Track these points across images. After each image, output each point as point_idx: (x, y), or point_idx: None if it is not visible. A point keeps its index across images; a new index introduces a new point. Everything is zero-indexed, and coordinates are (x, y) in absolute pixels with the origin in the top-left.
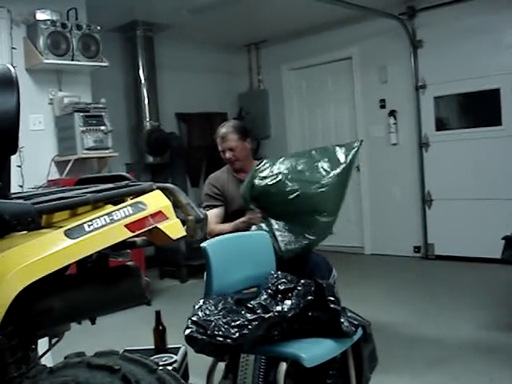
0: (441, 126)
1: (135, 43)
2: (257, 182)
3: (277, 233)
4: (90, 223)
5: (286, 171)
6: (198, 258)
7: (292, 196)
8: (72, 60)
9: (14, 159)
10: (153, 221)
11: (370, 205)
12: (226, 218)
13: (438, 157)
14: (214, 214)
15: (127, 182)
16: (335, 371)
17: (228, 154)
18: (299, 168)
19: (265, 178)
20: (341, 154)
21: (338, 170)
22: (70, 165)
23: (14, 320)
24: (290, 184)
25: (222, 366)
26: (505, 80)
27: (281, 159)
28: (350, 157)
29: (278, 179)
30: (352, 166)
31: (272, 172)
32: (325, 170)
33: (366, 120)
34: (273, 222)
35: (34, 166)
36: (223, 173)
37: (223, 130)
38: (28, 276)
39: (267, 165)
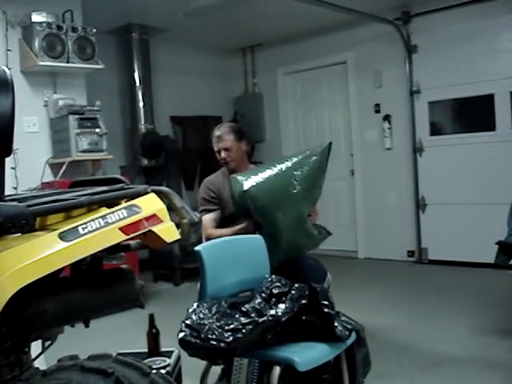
0: (435, 130)
1: (131, 46)
2: (235, 193)
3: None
4: (84, 226)
5: (246, 184)
6: (192, 262)
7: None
8: (67, 62)
9: (9, 161)
10: (147, 224)
11: (364, 209)
12: (221, 221)
13: (432, 161)
14: (211, 218)
15: (122, 184)
16: (329, 375)
17: (223, 154)
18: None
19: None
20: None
21: (306, 172)
22: (64, 167)
23: (7, 322)
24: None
25: (215, 369)
26: (499, 85)
27: (258, 169)
28: (317, 156)
29: (241, 190)
30: (321, 166)
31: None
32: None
33: (360, 124)
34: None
35: (29, 168)
36: (218, 176)
37: (220, 130)
38: (22, 278)
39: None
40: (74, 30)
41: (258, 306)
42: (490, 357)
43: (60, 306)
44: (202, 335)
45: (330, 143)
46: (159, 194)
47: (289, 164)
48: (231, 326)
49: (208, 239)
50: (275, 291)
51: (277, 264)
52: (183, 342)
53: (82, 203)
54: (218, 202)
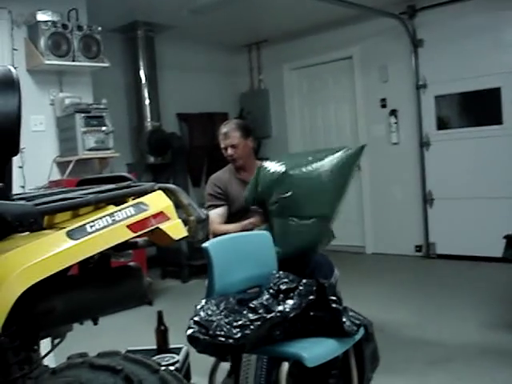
0: (442, 125)
1: (136, 44)
2: (261, 176)
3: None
4: (92, 224)
5: (288, 167)
6: (199, 258)
7: (289, 193)
8: (73, 61)
9: (16, 160)
10: (154, 221)
11: (371, 204)
12: (228, 218)
13: (439, 156)
14: (217, 214)
15: (129, 182)
16: (337, 371)
17: (230, 151)
18: (301, 165)
19: (270, 172)
20: (339, 157)
21: (336, 170)
22: (71, 165)
23: (16, 321)
24: (289, 180)
25: (224, 365)
26: (505, 79)
27: (285, 156)
28: (346, 159)
29: (281, 172)
30: (349, 168)
31: (276, 167)
32: (323, 170)
33: (366, 119)
34: (274, 220)
35: (36, 166)
36: (225, 173)
37: (226, 127)
38: (30, 277)
39: (273, 161)
40: (80, 28)
41: (265, 302)
42: (499, 351)
43: (68, 304)
44: (211, 332)
45: (363, 146)
46: (166, 191)
47: (329, 159)
48: (239, 323)
49: (214, 235)
50: (283, 287)
51: (288, 255)
52: (192, 339)
53: (89, 201)
54: (225, 198)
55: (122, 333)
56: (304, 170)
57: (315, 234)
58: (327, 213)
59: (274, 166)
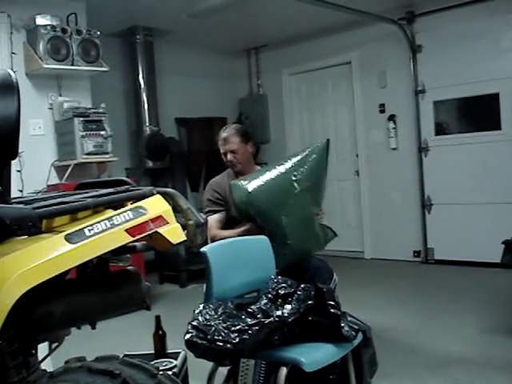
0: (440, 130)
1: (135, 48)
2: (235, 199)
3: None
4: (90, 228)
5: (250, 186)
6: (197, 263)
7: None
8: (72, 65)
9: (14, 164)
10: (153, 225)
11: (370, 209)
12: (226, 223)
13: (437, 161)
14: (216, 219)
15: (127, 186)
16: (335, 376)
17: (229, 157)
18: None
19: (238, 194)
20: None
21: (307, 171)
22: (69, 169)
23: (14, 325)
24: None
25: (222, 370)
26: (504, 84)
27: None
28: (317, 155)
29: (245, 193)
30: (321, 162)
31: (241, 188)
32: (295, 174)
33: (365, 125)
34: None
35: (34, 170)
36: (224, 178)
37: (226, 132)
38: (28, 281)
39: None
40: (79, 32)
41: (264, 307)
42: (498, 357)
43: (66, 308)
44: (209, 336)
45: (328, 140)
46: (165, 195)
47: (288, 165)
48: (237, 327)
49: (213, 240)
50: (281, 292)
51: (284, 267)
52: (190, 344)
53: (87, 205)
54: (224, 203)
55: (119, 337)
56: (263, 181)
57: (308, 240)
58: (304, 216)
59: (239, 188)
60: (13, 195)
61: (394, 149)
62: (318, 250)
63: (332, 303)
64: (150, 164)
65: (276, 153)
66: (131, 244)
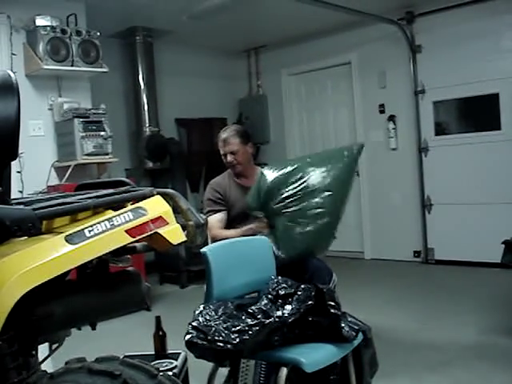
0: (440, 130)
1: (135, 49)
2: (262, 183)
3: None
4: (90, 229)
5: (291, 173)
6: (197, 264)
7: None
8: (72, 66)
9: (14, 165)
10: (153, 226)
11: (370, 209)
12: (227, 223)
13: (437, 161)
14: (217, 219)
15: (127, 187)
16: (336, 376)
17: (229, 158)
18: (304, 170)
19: (272, 179)
20: (341, 156)
21: (338, 172)
22: (69, 170)
23: (14, 325)
24: (292, 186)
25: (222, 371)
26: (504, 84)
27: (287, 162)
28: (349, 159)
29: (284, 176)
30: (352, 168)
31: (278, 174)
32: (326, 172)
33: (365, 125)
34: (278, 225)
35: (34, 171)
36: (224, 178)
37: (225, 133)
38: (28, 282)
39: (273, 168)
40: (79, 33)
41: (264, 308)
42: (498, 356)
43: (66, 309)
44: (209, 337)
45: (362, 145)
46: (165, 196)
47: (324, 162)
48: (238, 328)
49: (214, 240)
50: (281, 292)
51: (290, 258)
52: (190, 344)
53: (87, 206)
54: (225, 203)
55: (120, 338)
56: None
57: (320, 238)
58: (335, 213)
59: (276, 170)
60: (13, 196)
61: (393, 149)
62: (322, 251)
63: (332, 303)
64: (150, 165)
65: (276, 153)
66: (131, 245)
